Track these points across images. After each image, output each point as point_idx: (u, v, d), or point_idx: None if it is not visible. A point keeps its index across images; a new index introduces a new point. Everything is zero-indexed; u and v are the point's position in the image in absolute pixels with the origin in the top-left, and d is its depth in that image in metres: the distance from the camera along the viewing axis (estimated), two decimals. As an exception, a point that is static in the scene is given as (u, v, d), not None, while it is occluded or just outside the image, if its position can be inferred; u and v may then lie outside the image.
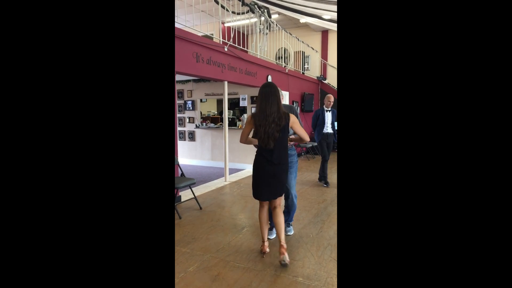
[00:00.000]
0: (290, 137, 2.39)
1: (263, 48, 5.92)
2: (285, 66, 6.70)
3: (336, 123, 4.77)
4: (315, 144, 5.45)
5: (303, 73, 8.08)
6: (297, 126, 2.23)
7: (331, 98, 4.60)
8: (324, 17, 4.66)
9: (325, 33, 9.50)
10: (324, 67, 9.45)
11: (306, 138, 2.26)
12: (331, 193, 4.25)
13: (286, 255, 2.19)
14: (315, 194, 4.17)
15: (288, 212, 2.77)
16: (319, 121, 4.66)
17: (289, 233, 2.80)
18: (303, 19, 6.98)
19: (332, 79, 9.19)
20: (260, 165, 2.22)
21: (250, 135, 2.30)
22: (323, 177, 4.75)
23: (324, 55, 9.52)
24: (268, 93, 2.13)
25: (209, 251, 2.49)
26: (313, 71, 8.95)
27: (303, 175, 5.48)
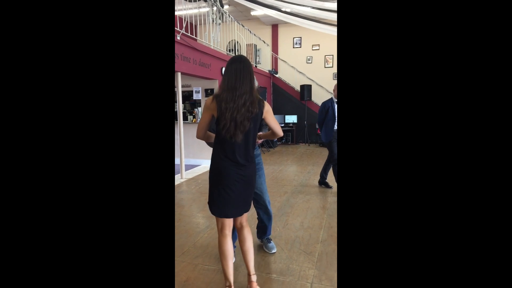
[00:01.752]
0: (259, 133, 1.85)
1: (216, 39, 5.72)
2: (238, 59, 6.57)
3: None
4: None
5: (255, 66, 8.05)
6: (272, 117, 1.71)
7: None
8: (283, 9, 4.64)
9: (275, 26, 9.57)
10: (275, 61, 9.54)
11: (280, 132, 1.76)
12: (290, 185, 4.30)
13: None
14: (275, 187, 4.18)
15: (266, 226, 2.31)
16: (328, 116, 3.68)
17: (273, 251, 2.30)
18: (258, 11, 6.91)
19: (283, 73, 9.33)
20: (223, 170, 1.62)
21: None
22: (324, 179, 4.11)
23: (275, 48, 9.61)
24: (239, 68, 1.58)
25: (174, 254, 2.31)
26: (264, 65, 8.97)
27: (260, 168, 5.46)
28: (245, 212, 1.75)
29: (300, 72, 9.17)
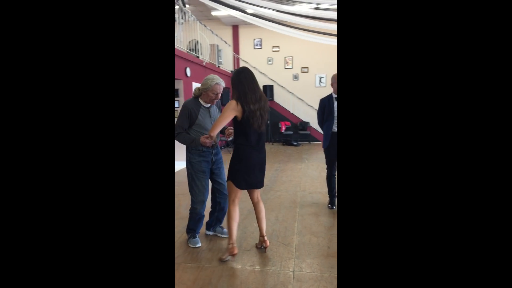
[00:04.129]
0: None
1: (179, 38, 5.64)
2: (200, 58, 6.54)
3: None
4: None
5: (218, 66, 8.05)
6: None
7: None
8: (248, 11, 4.73)
9: (235, 27, 9.65)
10: (237, 62, 9.62)
11: None
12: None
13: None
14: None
15: (225, 212, 2.50)
16: (325, 115, 3.06)
17: (226, 235, 2.51)
18: (218, 11, 6.92)
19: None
20: (250, 155, 2.10)
21: None
22: (332, 196, 3.26)
23: (236, 49, 9.68)
24: (249, 76, 2.04)
25: (154, 256, 2.27)
26: (226, 65, 9.00)
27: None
28: (261, 187, 2.24)
29: (261, 73, 9.35)
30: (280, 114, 8.99)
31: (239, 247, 2.36)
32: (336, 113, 2.98)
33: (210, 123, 2.30)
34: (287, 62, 9.44)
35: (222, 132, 2.38)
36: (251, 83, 2.02)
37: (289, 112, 9.12)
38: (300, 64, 9.36)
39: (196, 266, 2.12)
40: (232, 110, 2.00)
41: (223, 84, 2.26)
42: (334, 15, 5.10)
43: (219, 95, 2.28)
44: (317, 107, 3.33)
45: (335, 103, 2.99)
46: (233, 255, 2.14)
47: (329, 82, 4.65)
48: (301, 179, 4.56)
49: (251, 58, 9.54)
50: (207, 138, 2.13)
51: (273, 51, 9.49)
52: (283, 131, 8.60)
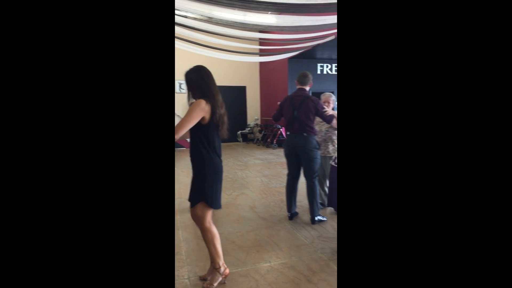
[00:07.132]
0: None
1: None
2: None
3: None
4: None
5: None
6: None
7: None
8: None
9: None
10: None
11: None
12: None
13: None
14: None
15: None
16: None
17: None
18: None
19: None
20: (220, 167, 1.83)
21: None
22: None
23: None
24: (210, 75, 1.78)
25: None
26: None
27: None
28: None
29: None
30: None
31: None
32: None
33: None
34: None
35: None
36: (215, 84, 1.78)
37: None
38: (160, 68, 9.09)
39: None
40: (201, 111, 1.67)
41: None
42: (199, 24, 5.28)
43: None
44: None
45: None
46: (226, 276, 1.93)
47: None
48: (175, 186, 4.47)
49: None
50: None
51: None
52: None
